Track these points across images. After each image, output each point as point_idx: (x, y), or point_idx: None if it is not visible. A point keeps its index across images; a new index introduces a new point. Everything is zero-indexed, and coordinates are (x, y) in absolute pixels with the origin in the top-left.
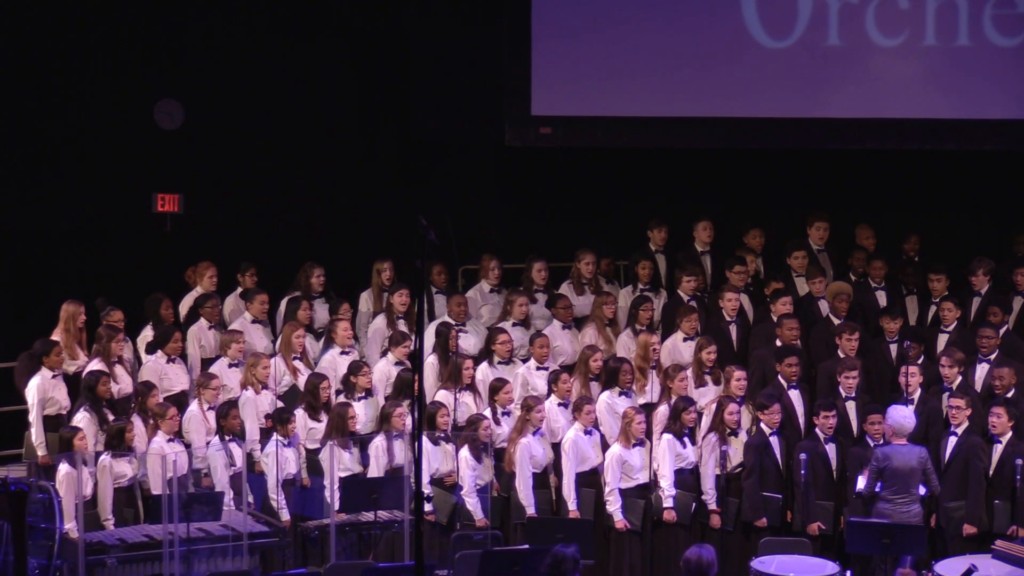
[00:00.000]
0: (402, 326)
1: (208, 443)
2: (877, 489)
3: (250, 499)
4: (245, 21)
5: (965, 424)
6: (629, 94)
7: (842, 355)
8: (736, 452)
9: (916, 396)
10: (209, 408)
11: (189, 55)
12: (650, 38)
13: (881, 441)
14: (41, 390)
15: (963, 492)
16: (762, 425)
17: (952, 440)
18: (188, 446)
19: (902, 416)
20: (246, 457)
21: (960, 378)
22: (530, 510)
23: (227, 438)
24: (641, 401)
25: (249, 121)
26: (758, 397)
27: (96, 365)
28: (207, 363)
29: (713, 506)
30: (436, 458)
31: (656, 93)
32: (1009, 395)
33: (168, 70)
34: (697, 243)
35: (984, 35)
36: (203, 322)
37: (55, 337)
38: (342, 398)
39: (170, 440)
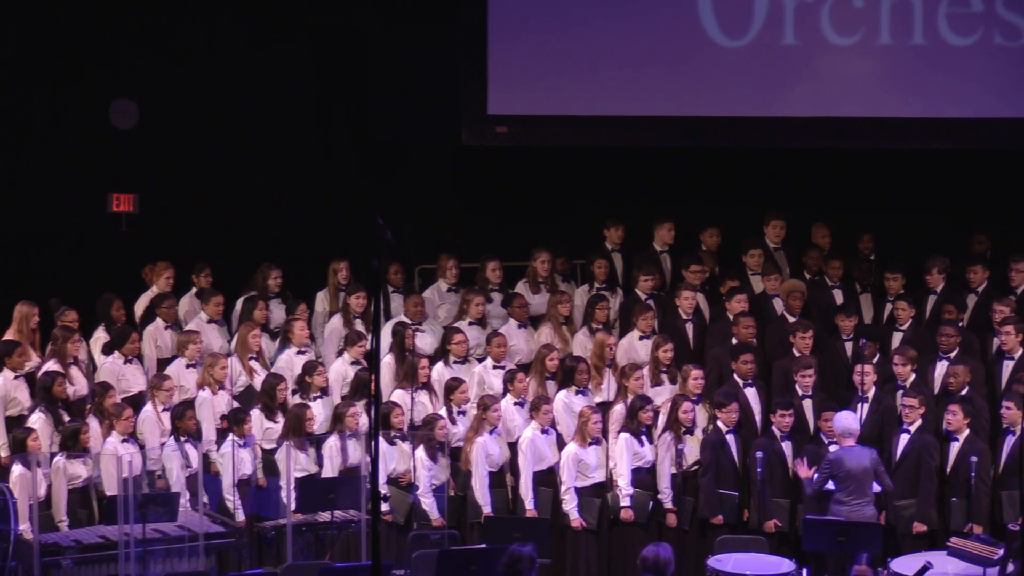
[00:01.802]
0: (358, 326)
1: (163, 444)
2: (831, 487)
3: (205, 500)
4: (200, 20)
5: (918, 422)
6: (585, 93)
7: (796, 353)
8: (692, 451)
9: (871, 394)
10: (164, 409)
11: (144, 55)
12: (606, 37)
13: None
14: (3, 390)
15: (914, 490)
16: (719, 423)
17: (904, 438)
18: (142, 447)
19: (849, 419)
20: (202, 457)
21: (914, 376)
22: (487, 509)
23: (182, 439)
24: (597, 400)
25: (205, 121)
26: (715, 395)
27: (51, 366)
28: (163, 363)
29: (669, 505)
30: (392, 458)
31: (612, 92)
32: (963, 392)
33: (123, 70)
34: (657, 242)
35: (939, 34)
36: (159, 322)
37: (8, 338)
38: (298, 398)
39: (124, 441)
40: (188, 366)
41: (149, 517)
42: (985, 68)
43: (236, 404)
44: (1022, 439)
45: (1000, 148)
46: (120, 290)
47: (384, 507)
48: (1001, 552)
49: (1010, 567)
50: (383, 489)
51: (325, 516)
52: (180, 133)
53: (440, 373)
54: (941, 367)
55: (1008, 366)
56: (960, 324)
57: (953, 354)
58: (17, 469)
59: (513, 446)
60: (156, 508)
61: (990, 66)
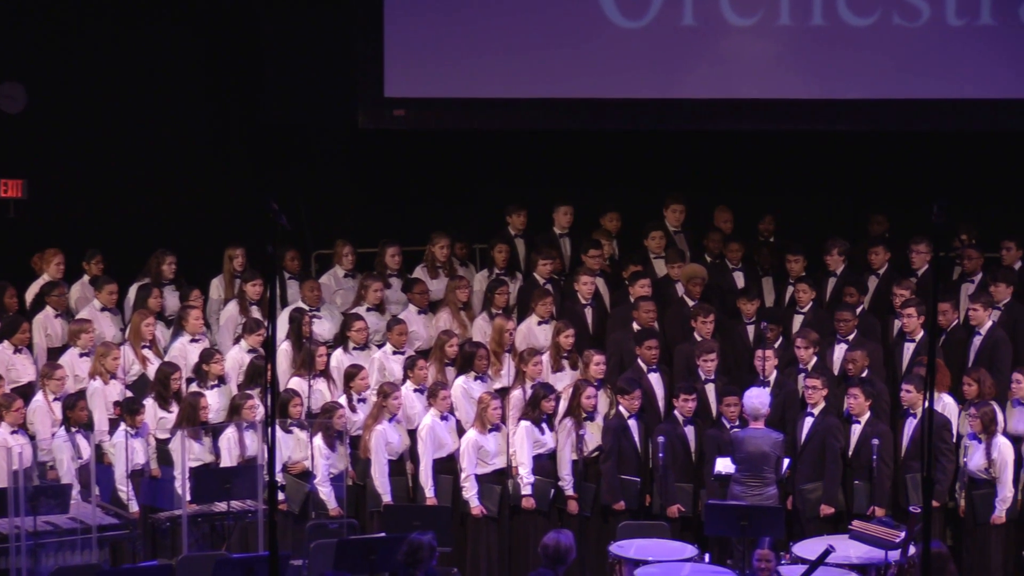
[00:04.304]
0: (255, 313)
1: (54, 434)
2: (733, 471)
3: (97, 491)
4: (90, 2)
5: (821, 405)
6: (483, 75)
7: (698, 338)
8: (593, 436)
9: (772, 378)
10: (55, 399)
11: (32, 37)
12: (504, 18)
13: (737, 423)
14: None
15: (819, 473)
16: (621, 408)
17: (808, 421)
18: (33, 438)
19: (758, 401)
20: (94, 448)
21: (815, 359)
22: (386, 498)
23: (73, 430)
24: (497, 386)
25: (95, 104)
26: (618, 381)
27: None
28: (54, 352)
29: (570, 491)
30: (288, 446)
31: (511, 74)
32: (863, 375)
33: (10, 52)
34: (556, 226)
35: (838, 15)
36: (49, 310)
37: None
38: (194, 386)
39: (14, 432)
40: (81, 355)
41: (40, 509)
42: (884, 49)
43: (129, 393)
44: (922, 422)
45: (899, 129)
46: (9, 278)
47: (280, 496)
48: (902, 535)
49: (911, 550)
50: (279, 478)
51: (221, 506)
52: (69, 117)
53: (340, 360)
54: (839, 350)
55: (909, 348)
56: (861, 306)
57: (851, 337)
58: None
59: (413, 433)
60: (47, 500)
61: (889, 47)
